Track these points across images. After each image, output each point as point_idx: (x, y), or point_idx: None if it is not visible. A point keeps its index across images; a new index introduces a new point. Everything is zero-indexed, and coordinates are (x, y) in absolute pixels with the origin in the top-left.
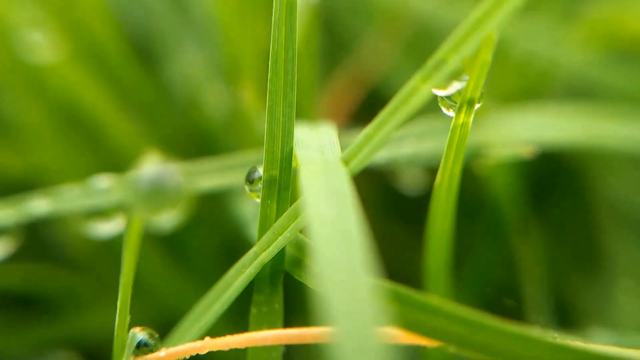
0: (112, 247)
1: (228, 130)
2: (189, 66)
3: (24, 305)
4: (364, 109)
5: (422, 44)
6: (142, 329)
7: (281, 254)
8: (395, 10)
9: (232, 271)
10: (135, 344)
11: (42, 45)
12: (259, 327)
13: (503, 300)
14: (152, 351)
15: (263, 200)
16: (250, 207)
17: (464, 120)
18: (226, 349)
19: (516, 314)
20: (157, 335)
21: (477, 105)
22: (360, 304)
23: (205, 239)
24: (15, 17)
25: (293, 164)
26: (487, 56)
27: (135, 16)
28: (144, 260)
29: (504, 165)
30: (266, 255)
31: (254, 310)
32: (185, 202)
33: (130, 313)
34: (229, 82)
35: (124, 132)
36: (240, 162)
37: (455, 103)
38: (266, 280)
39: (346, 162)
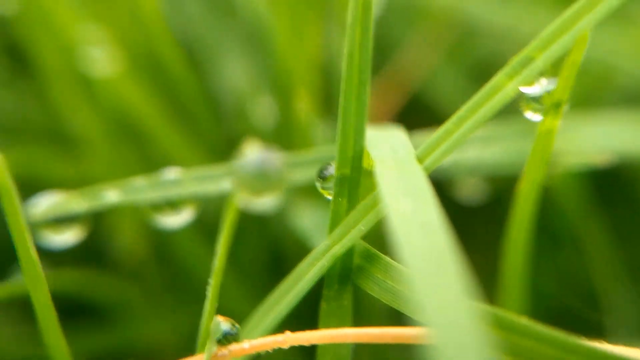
0: (162, 255)
1: (279, 140)
2: (240, 76)
3: (74, 312)
4: (406, 113)
5: (463, 49)
6: (226, 319)
7: (351, 250)
8: (436, 15)
9: (303, 264)
10: (219, 333)
11: (101, 59)
12: (328, 323)
13: (581, 311)
14: (234, 341)
15: (335, 197)
16: (307, 212)
17: (550, 125)
18: (307, 344)
19: (595, 326)
20: (238, 326)
21: (565, 108)
22: (453, 301)
23: (256, 245)
24: (77, 33)
25: (364, 164)
26: (578, 56)
27: (186, 25)
28: (198, 262)
29: (575, 174)
30: (339, 248)
31: (323, 305)
32: (284, 186)
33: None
34: (280, 92)
35: (173, 143)
36: (303, 160)
37: (541, 105)
38: (335, 276)
39: (420, 160)
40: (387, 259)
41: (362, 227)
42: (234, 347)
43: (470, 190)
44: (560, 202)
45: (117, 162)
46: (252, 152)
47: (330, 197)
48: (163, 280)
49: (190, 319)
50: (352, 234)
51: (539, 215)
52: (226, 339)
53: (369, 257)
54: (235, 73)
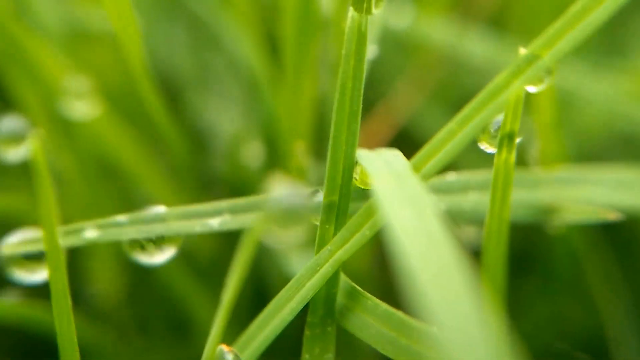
0: (137, 296)
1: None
2: (228, 118)
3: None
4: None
5: (449, 86)
6: (229, 349)
7: (336, 275)
8: (424, 54)
9: (288, 286)
10: None
11: (81, 103)
12: (311, 350)
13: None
14: None
15: (322, 224)
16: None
17: (505, 157)
18: None
19: None
20: (240, 357)
21: (517, 140)
22: (465, 315)
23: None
24: (58, 76)
25: (359, 183)
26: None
27: (169, 66)
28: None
29: (581, 227)
30: (342, 254)
31: (307, 332)
32: (309, 221)
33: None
34: (269, 137)
35: (154, 184)
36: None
37: (495, 138)
38: (320, 301)
39: (417, 169)
40: (374, 299)
41: (367, 232)
42: None
43: (470, 236)
44: (565, 252)
45: (97, 204)
46: (281, 188)
47: (317, 223)
48: (138, 322)
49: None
50: (355, 239)
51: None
52: None
53: (353, 296)
54: (223, 115)
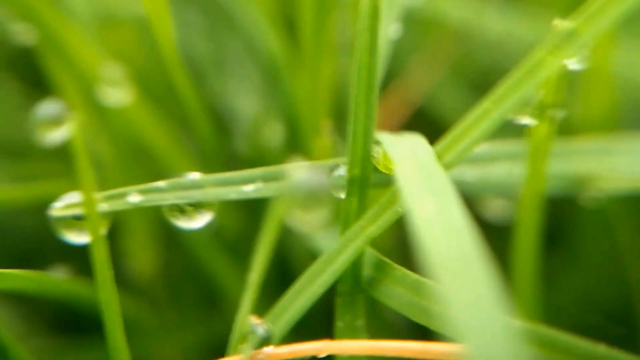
0: (167, 276)
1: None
2: (249, 100)
3: (85, 325)
4: (410, 126)
5: (465, 63)
6: (260, 321)
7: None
8: (440, 30)
9: (317, 263)
10: (257, 335)
11: (115, 88)
12: (342, 317)
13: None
14: (267, 344)
15: (346, 197)
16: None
17: (545, 130)
18: (344, 354)
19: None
20: (272, 330)
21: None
22: (485, 310)
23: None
24: (92, 63)
25: (382, 167)
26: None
27: (187, 50)
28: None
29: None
30: (374, 229)
31: (338, 300)
32: (331, 202)
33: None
34: (290, 120)
35: (183, 165)
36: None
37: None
38: (349, 272)
39: (440, 157)
40: (403, 270)
41: (378, 225)
42: (270, 350)
43: (497, 210)
44: (599, 224)
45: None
46: (300, 171)
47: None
48: (170, 297)
49: (196, 336)
50: (387, 215)
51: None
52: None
53: (381, 268)
54: (242, 97)
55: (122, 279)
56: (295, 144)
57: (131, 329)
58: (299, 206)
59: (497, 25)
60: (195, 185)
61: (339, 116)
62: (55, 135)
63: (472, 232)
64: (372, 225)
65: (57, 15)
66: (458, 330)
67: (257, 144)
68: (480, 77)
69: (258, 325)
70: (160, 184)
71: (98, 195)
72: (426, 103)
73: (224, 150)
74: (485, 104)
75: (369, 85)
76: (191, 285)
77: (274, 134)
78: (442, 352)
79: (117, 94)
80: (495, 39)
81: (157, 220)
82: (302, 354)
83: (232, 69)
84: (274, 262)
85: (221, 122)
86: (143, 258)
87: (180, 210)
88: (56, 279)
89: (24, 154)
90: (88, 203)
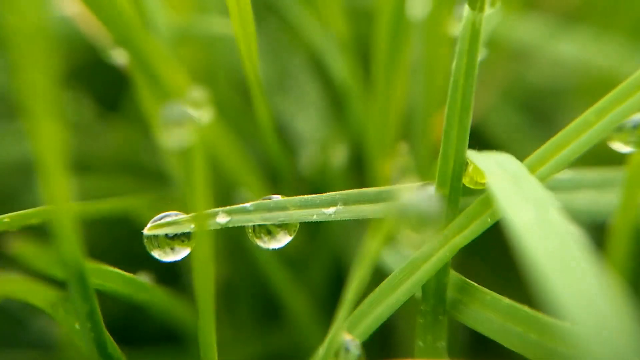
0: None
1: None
2: (315, 122)
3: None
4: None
5: (517, 85)
6: (352, 338)
7: (445, 268)
8: (494, 56)
9: (417, 255)
10: (350, 352)
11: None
12: (424, 338)
13: None
14: None
15: None
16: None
17: None
18: None
19: None
20: (360, 346)
21: None
22: (596, 299)
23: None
24: (174, 83)
25: (465, 180)
26: None
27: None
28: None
29: None
30: (459, 240)
31: (419, 320)
32: (441, 223)
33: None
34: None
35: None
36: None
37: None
38: (431, 290)
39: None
40: (493, 294)
41: (464, 236)
42: None
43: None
44: None
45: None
46: (414, 191)
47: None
48: (231, 311)
49: (255, 349)
50: (456, 239)
51: None
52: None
53: (466, 290)
54: (306, 119)
55: (183, 290)
56: (359, 166)
57: (192, 342)
58: (410, 226)
59: (553, 46)
60: (279, 207)
61: (405, 137)
62: (175, 138)
63: (578, 236)
64: (458, 235)
65: (148, 38)
66: (579, 338)
67: (321, 165)
68: (533, 99)
69: (351, 342)
70: (247, 205)
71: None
72: (480, 124)
73: (292, 171)
74: (587, 115)
75: (463, 107)
76: (250, 299)
77: (337, 156)
78: None
79: (199, 114)
80: (551, 60)
81: (220, 236)
82: None
83: (295, 91)
84: (331, 272)
85: (285, 144)
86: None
87: (267, 231)
88: (149, 284)
89: (98, 169)
90: (196, 220)
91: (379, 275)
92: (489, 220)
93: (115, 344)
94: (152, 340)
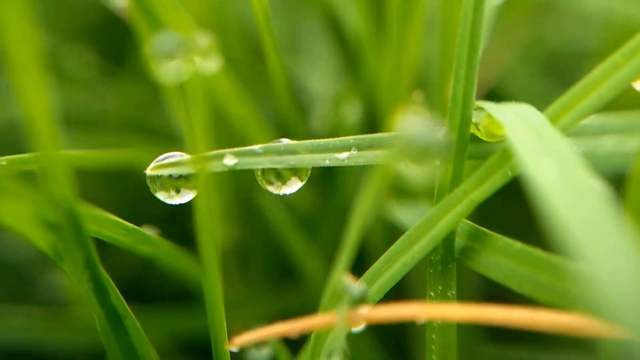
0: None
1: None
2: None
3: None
4: None
5: (537, 45)
6: (356, 280)
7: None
8: (514, 15)
9: (434, 211)
10: (353, 294)
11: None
12: (434, 287)
13: None
14: (362, 303)
15: (442, 164)
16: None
17: None
18: (446, 319)
19: None
20: (367, 290)
21: None
22: (614, 243)
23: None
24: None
25: (481, 133)
26: None
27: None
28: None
29: None
30: (477, 194)
31: (430, 270)
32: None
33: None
34: (371, 97)
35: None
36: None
37: None
38: (439, 244)
39: (553, 122)
40: (505, 239)
41: (484, 190)
42: (366, 311)
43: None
44: None
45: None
46: (416, 124)
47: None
48: (244, 270)
49: (268, 309)
50: (474, 194)
51: None
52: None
53: (477, 237)
54: (319, 75)
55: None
56: (372, 122)
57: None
58: (412, 159)
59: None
60: (290, 151)
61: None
62: (169, 70)
63: (605, 193)
64: (477, 189)
65: None
66: (600, 293)
67: (333, 122)
68: (553, 59)
69: (353, 285)
70: (256, 147)
71: (204, 153)
72: (498, 85)
73: (304, 129)
74: (615, 57)
75: (471, 46)
76: (262, 259)
77: (350, 112)
78: (553, 320)
79: (204, 62)
80: (571, 17)
81: (231, 194)
82: (400, 317)
83: (307, 49)
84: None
85: (298, 99)
86: (217, 231)
87: (277, 174)
88: (153, 236)
89: (102, 125)
90: (198, 160)
91: (395, 232)
92: (509, 173)
93: (120, 296)
94: (166, 300)
